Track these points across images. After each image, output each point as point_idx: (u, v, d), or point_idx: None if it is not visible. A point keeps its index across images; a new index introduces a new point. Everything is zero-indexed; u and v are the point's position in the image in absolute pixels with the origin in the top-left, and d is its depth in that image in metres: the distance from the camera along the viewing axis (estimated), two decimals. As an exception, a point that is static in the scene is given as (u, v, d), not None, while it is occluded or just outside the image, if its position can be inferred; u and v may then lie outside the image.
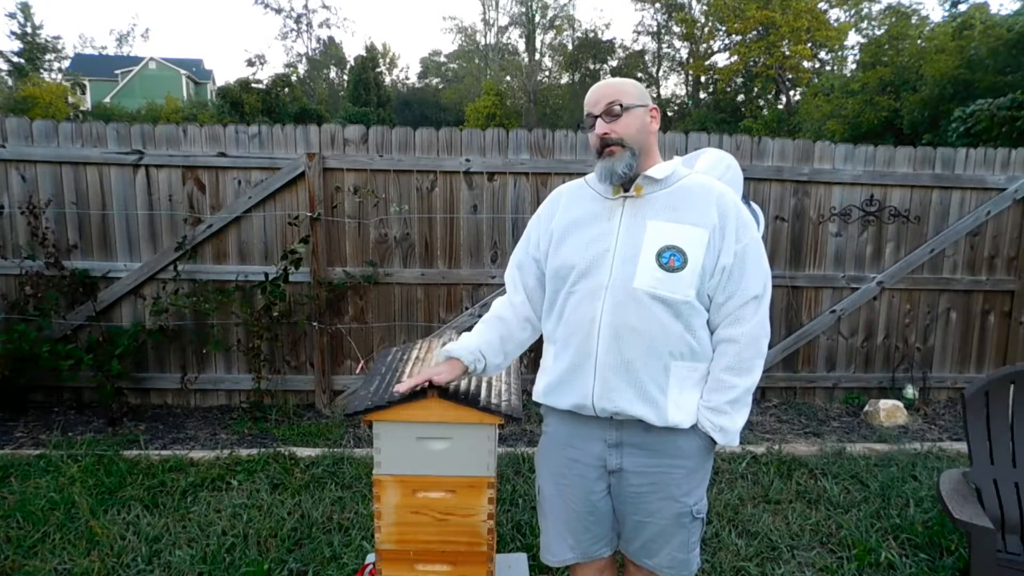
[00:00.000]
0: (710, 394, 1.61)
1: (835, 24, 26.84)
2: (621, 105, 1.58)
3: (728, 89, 31.13)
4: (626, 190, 1.63)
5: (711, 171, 1.78)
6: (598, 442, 1.67)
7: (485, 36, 41.55)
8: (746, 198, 1.85)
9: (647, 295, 1.56)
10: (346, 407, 4.19)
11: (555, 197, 1.78)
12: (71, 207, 4.19)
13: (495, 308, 1.85)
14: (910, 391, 4.69)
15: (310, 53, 44.98)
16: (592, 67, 36.50)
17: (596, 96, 1.61)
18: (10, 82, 36.05)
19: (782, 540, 2.84)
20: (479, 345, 1.78)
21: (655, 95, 36.49)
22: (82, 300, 4.18)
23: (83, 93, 35.53)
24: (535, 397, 1.76)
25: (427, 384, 1.75)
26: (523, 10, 38.36)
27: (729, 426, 1.61)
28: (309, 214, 4.22)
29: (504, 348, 1.81)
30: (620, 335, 1.58)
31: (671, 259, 1.55)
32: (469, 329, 1.87)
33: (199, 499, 3.09)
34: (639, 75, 36.58)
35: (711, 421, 1.61)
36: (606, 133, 1.59)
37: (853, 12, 26.50)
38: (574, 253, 1.65)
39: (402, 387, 1.74)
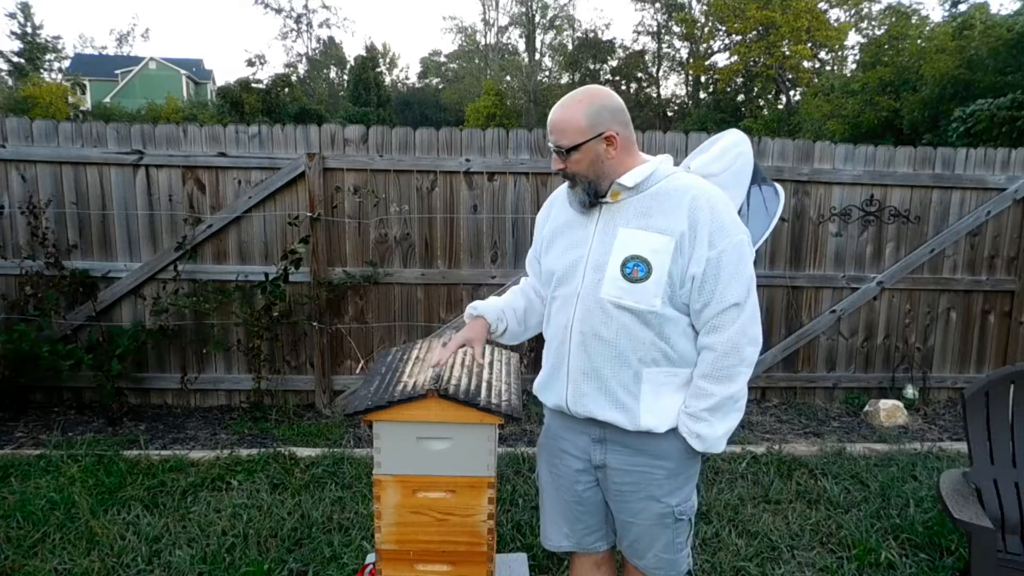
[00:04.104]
0: (690, 399, 1.59)
1: (835, 24, 26.83)
2: (564, 149, 1.57)
3: (728, 89, 31.12)
4: (602, 197, 1.62)
5: (720, 158, 1.72)
6: (584, 436, 1.71)
7: (485, 36, 41.58)
8: (764, 180, 1.80)
9: (612, 305, 1.56)
10: (346, 407, 4.19)
11: (549, 202, 1.82)
12: (71, 207, 4.19)
13: (524, 282, 1.92)
14: (910, 391, 4.69)
15: (310, 53, 45.01)
16: (592, 67, 36.46)
17: (549, 127, 1.61)
18: (10, 82, 36.07)
19: (782, 540, 2.84)
20: (504, 307, 1.84)
21: (655, 95, 36.48)
22: (82, 300, 4.18)
23: (83, 93, 35.52)
24: (533, 389, 1.84)
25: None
26: (523, 10, 38.37)
27: (707, 433, 1.57)
28: (309, 214, 4.22)
29: (527, 320, 1.87)
30: (587, 343, 1.60)
31: (634, 269, 1.54)
32: None
33: (199, 499, 3.09)
34: (639, 75, 36.58)
35: (688, 427, 1.59)
36: (560, 168, 1.61)
37: (853, 12, 26.51)
38: (555, 259, 1.70)
39: (437, 357, 1.77)
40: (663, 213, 1.55)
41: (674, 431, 1.61)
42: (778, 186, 1.82)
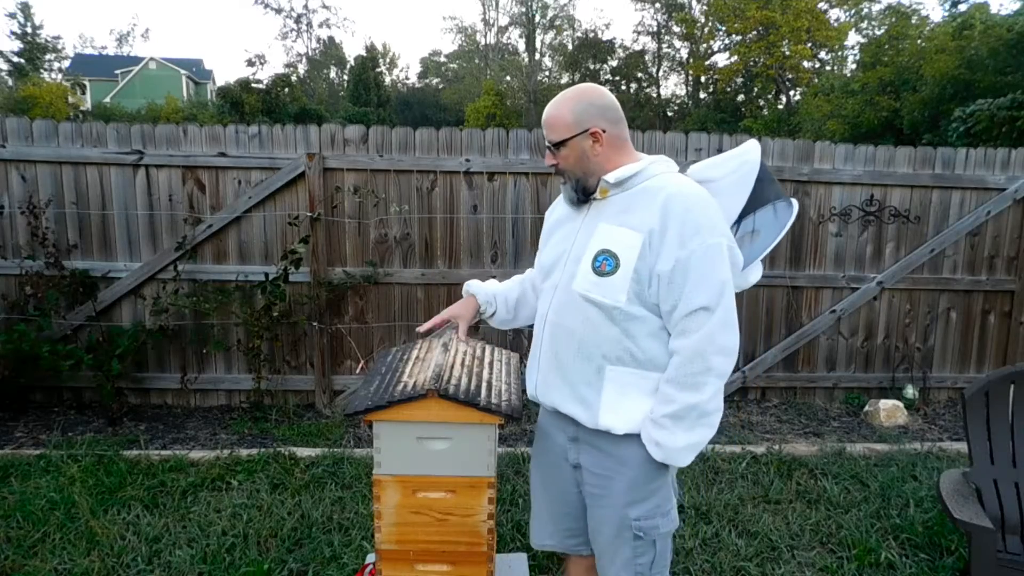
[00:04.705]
0: (655, 404, 1.55)
1: (835, 24, 26.85)
2: (552, 144, 1.62)
3: (728, 89, 31.13)
4: (592, 194, 1.65)
5: (722, 164, 1.68)
6: (562, 434, 1.73)
7: (485, 36, 41.61)
8: (779, 196, 1.72)
9: (581, 297, 1.58)
10: (346, 407, 4.19)
11: (558, 199, 1.84)
12: (71, 207, 4.19)
13: (527, 273, 1.97)
14: (910, 391, 4.69)
15: (310, 53, 45.03)
16: (592, 67, 36.48)
17: (543, 123, 1.65)
18: (10, 82, 36.07)
19: (782, 540, 2.84)
20: (496, 292, 1.90)
21: (655, 95, 36.47)
22: (82, 300, 4.18)
23: (83, 93, 35.52)
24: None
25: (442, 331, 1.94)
26: (523, 10, 38.38)
27: (667, 442, 1.51)
28: (309, 214, 4.22)
29: (517, 310, 1.92)
30: (556, 333, 1.65)
31: (603, 263, 1.55)
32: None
33: (199, 499, 3.09)
34: (639, 75, 36.58)
35: (647, 432, 1.55)
36: (553, 164, 1.65)
37: (853, 12, 26.51)
38: (547, 253, 1.75)
39: (426, 325, 1.87)
40: (639, 210, 1.55)
41: (634, 437, 1.57)
42: (793, 200, 1.76)
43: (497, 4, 41.03)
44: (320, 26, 52.34)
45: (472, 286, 1.90)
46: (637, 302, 1.53)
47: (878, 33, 23.33)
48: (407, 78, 49.65)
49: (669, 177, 1.59)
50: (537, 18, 38.33)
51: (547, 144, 1.63)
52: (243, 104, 23.44)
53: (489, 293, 1.90)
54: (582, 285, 1.58)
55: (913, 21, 21.66)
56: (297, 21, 44.11)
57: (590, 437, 1.65)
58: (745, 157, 1.68)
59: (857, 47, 25.96)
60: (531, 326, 1.90)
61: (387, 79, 40.81)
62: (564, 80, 37.90)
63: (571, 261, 1.63)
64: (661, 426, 1.52)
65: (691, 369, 1.48)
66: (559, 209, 1.79)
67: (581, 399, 1.61)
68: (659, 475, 1.62)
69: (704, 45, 32.35)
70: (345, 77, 41.09)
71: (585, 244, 1.61)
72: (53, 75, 38.73)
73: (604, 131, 1.58)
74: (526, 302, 1.91)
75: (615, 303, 1.53)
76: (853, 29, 26.81)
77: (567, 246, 1.67)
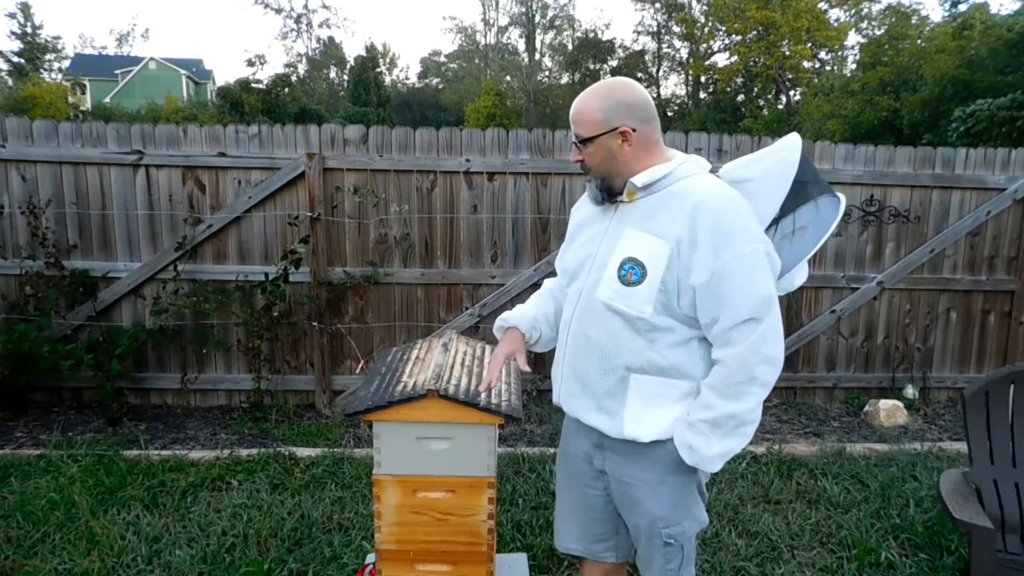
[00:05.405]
0: (692, 408, 1.51)
1: (835, 24, 26.86)
2: (580, 139, 1.55)
3: (728, 89, 31.13)
4: (618, 195, 1.58)
5: (757, 162, 1.61)
6: (586, 440, 1.69)
7: (485, 36, 41.59)
8: (822, 193, 1.61)
9: (604, 306, 1.53)
10: (346, 407, 4.19)
11: (581, 198, 1.77)
12: (71, 207, 4.18)
13: (546, 284, 1.88)
14: (910, 391, 4.69)
15: (310, 53, 45.01)
16: (592, 67, 36.49)
17: (571, 117, 1.57)
18: (10, 82, 36.07)
19: (782, 540, 2.84)
20: (535, 315, 1.78)
21: (655, 95, 36.48)
22: (82, 300, 4.18)
23: (83, 93, 35.53)
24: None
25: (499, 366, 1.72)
26: (523, 10, 38.38)
27: (701, 447, 1.47)
28: (309, 214, 4.22)
29: (557, 323, 1.80)
30: (578, 342, 1.60)
31: (629, 272, 1.49)
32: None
33: (199, 499, 3.09)
34: (639, 75, 36.59)
35: (682, 435, 1.51)
36: (578, 160, 1.58)
37: (853, 12, 26.52)
38: (572, 255, 1.69)
39: (491, 373, 1.70)
40: (666, 216, 1.48)
41: (660, 443, 1.54)
42: (840, 195, 1.63)
43: (497, 4, 41.01)
44: (320, 26, 52.33)
45: (510, 319, 1.75)
46: (664, 313, 1.48)
47: (878, 33, 23.34)
48: (407, 78, 49.72)
49: (699, 180, 1.52)
50: (537, 18, 38.33)
51: (573, 140, 1.56)
52: (243, 104, 23.45)
53: (529, 318, 1.76)
54: (605, 293, 1.52)
55: (913, 21, 21.68)
56: (297, 21, 44.12)
57: (615, 444, 1.60)
58: (783, 154, 1.59)
59: (857, 47, 25.98)
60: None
61: (387, 79, 40.80)
62: (564, 80, 37.92)
63: (596, 267, 1.57)
64: (697, 431, 1.48)
65: (735, 379, 1.44)
66: (584, 209, 1.72)
67: (604, 410, 1.57)
68: (686, 480, 1.59)
69: (704, 45, 32.35)
70: (345, 77, 41.07)
71: (611, 250, 1.54)
72: (53, 75, 38.71)
73: (634, 131, 1.51)
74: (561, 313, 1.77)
75: (640, 314, 1.48)
76: (853, 29, 26.83)
77: (592, 250, 1.60)
